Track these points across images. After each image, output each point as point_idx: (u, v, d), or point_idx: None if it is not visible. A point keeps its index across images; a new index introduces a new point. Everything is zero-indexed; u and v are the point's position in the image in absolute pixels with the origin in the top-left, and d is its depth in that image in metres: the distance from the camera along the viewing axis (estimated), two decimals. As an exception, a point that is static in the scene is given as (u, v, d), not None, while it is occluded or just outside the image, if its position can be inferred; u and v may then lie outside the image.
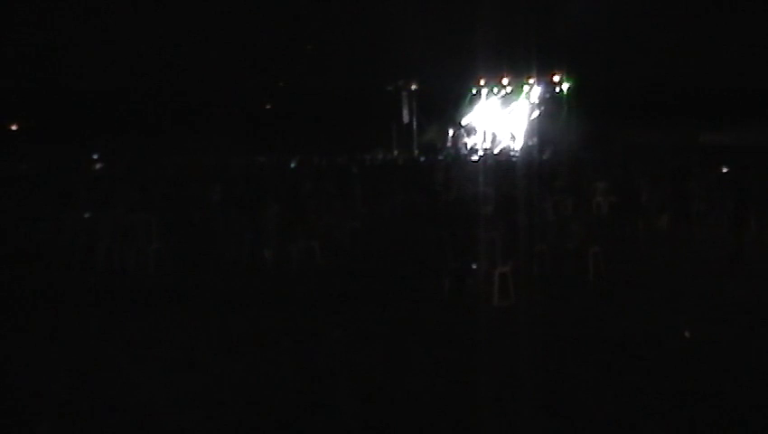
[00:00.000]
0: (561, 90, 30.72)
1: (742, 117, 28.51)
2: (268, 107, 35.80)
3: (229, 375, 7.87)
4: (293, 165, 22.83)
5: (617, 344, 8.62)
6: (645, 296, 10.78)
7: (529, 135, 30.36)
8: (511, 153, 28.50)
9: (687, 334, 9.00)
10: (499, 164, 22.59)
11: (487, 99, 32.00)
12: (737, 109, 28.93)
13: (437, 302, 10.49)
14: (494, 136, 31.01)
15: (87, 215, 13.81)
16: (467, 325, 9.52)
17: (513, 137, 30.64)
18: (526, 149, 28.79)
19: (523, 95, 31.36)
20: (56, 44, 29.89)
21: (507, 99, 31.75)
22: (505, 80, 31.40)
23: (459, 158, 27.04)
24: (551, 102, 30.91)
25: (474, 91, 32.04)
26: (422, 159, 27.37)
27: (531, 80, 31.09)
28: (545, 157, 25.99)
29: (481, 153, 28.94)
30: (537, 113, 31.00)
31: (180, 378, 7.81)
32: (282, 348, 8.72)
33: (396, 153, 30.12)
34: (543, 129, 30.00)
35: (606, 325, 9.47)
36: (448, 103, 31.94)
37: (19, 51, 29.62)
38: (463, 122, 32.00)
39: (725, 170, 16.91)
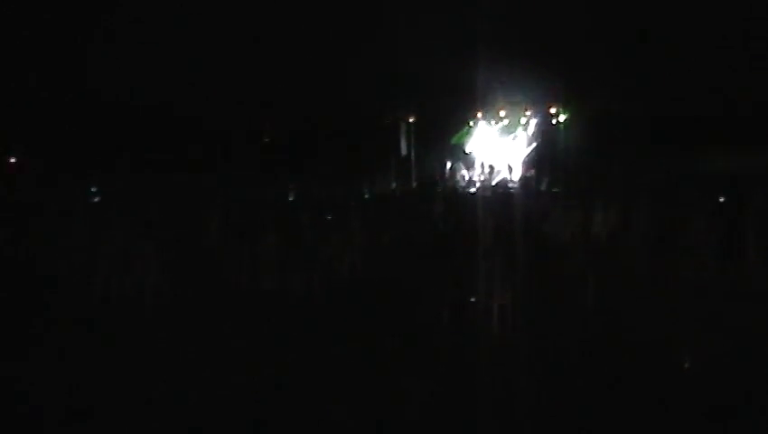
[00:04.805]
0: (558, 122, 30.88)
1: (740, 146, 28.59)
2: (266, 139, 35.90)
3: (227, 408, 7.82)
4: (290, 197, 22.81)
5: (618, 375, 8.59)
6: (646, 326, 10.75)
7: (526, 166, 30.45)
8: (509, 184, 28.55)
9: (686, 364, 8.98)
10: (497, 195, 22.60)
11: (484, 130, 32.11)
12: (735, 138, 29.02)
13: (436, 334, 10.46)
14: (492, 168, 31.07)
15: (85, 245, 13.78)
16: (465, 357, 9.48)
17: (511, 169, 30.70)
18: (523, 180, 28.84)
19: (521, 126, 31.50)
20: (54, 76, 30.01)
21: (504, 130, 31.87)
22: (502, 112, 31.54)
23: (457, 190, 27.06)
24: (548, 133, 31.04)
25: (472, 123, 32.16)
26: (420, 191, 27.37)
27: (528, 112, 31.26)
28: (542, 188, 26.01)
29: (478, 184, 28.97)
30: (534, 144, 31.12)
31: (177, 409, 7.76)
32: (280, 381, 8.67)
33: (394, 184, 30.14)
34: (541, 160, 30.09)
35: (607, 355, 9.44)
36: (446, 135, 32.04)
37: (18, 83, 29.73)
38: (461, 154, 32.07)
39: (722, 198, 16.89)
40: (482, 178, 30.54)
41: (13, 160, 33.49)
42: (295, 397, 8.09)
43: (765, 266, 12.73)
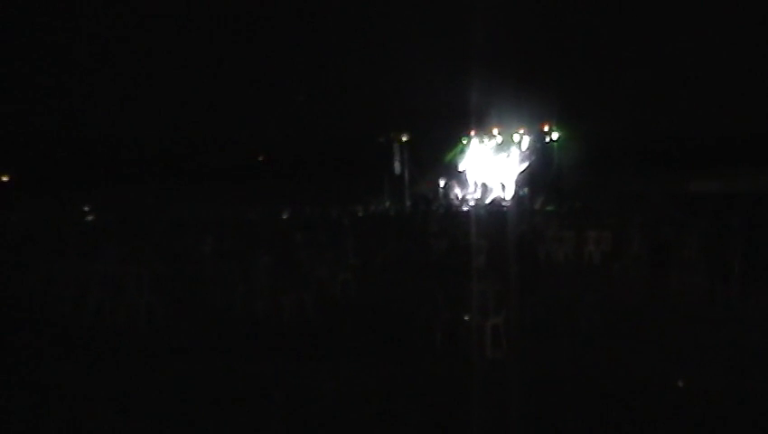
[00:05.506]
0: (552, 140, 30.96)
1: (732, 166, 28.77)
2: (260, 158, 35.96)
3: (220, 429, 7.79)
4: (284, 217, 22.84)
5: (612, 396, 8.57)
6: (638, 345, 10.73)
7: (519, 184, 30.50)
8: (502, 203, 28.61)
9: (680, 383, 8.96)
10: (490, 214, 22.64)
11: (478, 149, 32.19)
12: (727, 158, 29.21)
13: (429, 354, 10.42)
14: (485, 186, 31.15)
15: (77, 268, 13.72)
16: (459, 378, 9.45)
17: (504, 187, 30.77)
18: (517, 199, 28.90)
19: (514, 145, 31.56)
20: (48, 96, 30.06)
21: (498, 149, 31.95)
22: (495, 131, 31.62)
23: (450, 209, 27.11)
24: (542, 152, 31.12)
25: (465, 142, 32.25)
26: (413, 210, 27.44)
27: (522, 130, 31.33)
28: (536, 207, 26.08)
29: (472, 203, 29.02)
30: (527, 163, 31.18)
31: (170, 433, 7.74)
32: (273, 402, 8.64)
33: (387, 204, 30.19)
34: (534, 179, 30.16)
35: (600, 375, 9.41)
36: (439, 154, 32.12)
37: (12, 102, 29.77)
38: (455, 172, 32.14)
39: (715, 218, 16.94)
40: (476, 196, 30.62)
41: (5, 178, 33.48)
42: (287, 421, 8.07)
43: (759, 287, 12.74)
